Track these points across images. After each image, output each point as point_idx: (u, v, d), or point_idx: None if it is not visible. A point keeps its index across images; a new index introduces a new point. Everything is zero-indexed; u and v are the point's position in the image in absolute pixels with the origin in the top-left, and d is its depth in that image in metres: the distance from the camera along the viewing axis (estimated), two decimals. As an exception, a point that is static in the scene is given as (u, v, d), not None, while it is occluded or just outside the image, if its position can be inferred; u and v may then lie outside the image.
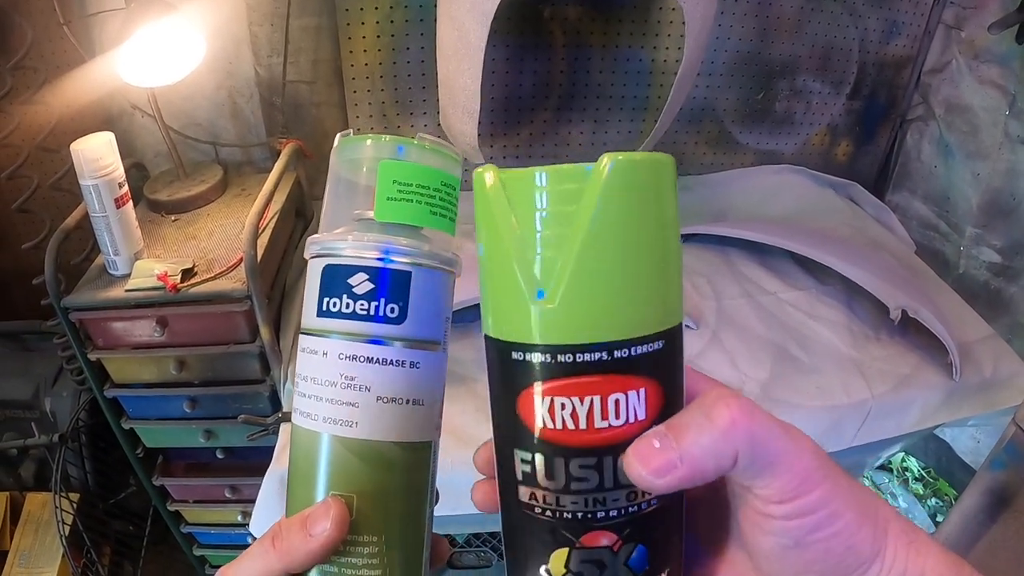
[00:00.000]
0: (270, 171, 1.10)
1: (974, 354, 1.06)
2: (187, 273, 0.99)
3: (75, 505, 1.26)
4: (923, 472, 1.69)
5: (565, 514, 0.28)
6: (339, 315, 0.32)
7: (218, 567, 0.33)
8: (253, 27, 1.17)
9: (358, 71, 1.24)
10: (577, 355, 0.26)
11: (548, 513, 0.28)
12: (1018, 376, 1.05)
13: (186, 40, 1.00)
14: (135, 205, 1.01)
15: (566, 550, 0.28)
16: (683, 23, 1.00)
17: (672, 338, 0.28)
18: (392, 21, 1.19)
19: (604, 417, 0.26)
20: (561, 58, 1.28)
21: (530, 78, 1.29)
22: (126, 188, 0.96)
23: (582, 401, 0.26)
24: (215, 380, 1.07)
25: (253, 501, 0.95)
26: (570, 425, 0.27)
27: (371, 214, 0.33)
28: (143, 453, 1.17)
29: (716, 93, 1.36)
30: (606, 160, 0.25)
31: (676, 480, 0.26)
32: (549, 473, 0.27)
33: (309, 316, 0.33)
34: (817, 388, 0.97)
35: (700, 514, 0.33)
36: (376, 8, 1.18)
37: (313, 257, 0.34)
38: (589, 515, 0.27)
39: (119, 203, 0.95)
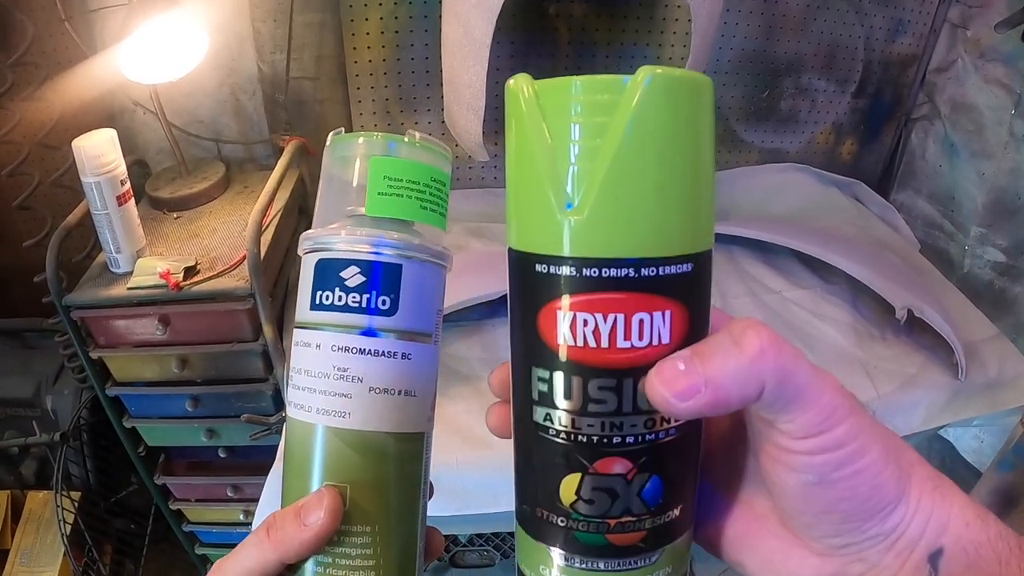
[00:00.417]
0: (272, 168, 1.09)
1: (979, 354, 1.05)
2: (190, 271, 0.99)
3: (76, 504, 1.25)
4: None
5: (580, 437, 0.27)
6: (332, 308, 0.33)
7: None
8: (256, 23, 1.17)
9: (362, 68, 1.23)
10: (603, 270, 0.25)
11: (563, 436, 0.27)
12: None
13: (188, 36, 0.99)
14: (137, 202, 1.01)
15: (578, 476, 0.27)
16: (689, 20, 1.00)
17: (701, 263, 0.27)
18: (396, 17, 1.18)
19: (627, 337, 0.26)
20: (566, 55, 1.27)
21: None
22: (128, 185, 0.95)
23: (605, 319, 0.25)
24: (218, 379, 1.07)
25: (255, 500, 0.94)
26: (591, 343, 0.26)
27: (363, 210, 0.34)
28: (145, 452, 1.17)
29: (721, 91, 1.35)
30: (643, 73, 0.24)
31: (699, 406, 0.25)
32: (567, 393, 0.27)
33: (303, 310, 0.34)
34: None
35: (715, 461, 0.33)
36: (380, 4, 1.17)
37: (306, 252, 0.34)
38: (604, 440, 0.27)
39: (121, 201, 0.94)
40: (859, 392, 0.97)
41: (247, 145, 1.30)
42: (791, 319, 1.09)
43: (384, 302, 0.33)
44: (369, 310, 0.33)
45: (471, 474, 0.87)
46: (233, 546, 0.33)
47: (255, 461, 1.16)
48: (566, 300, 0.26)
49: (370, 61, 1.22)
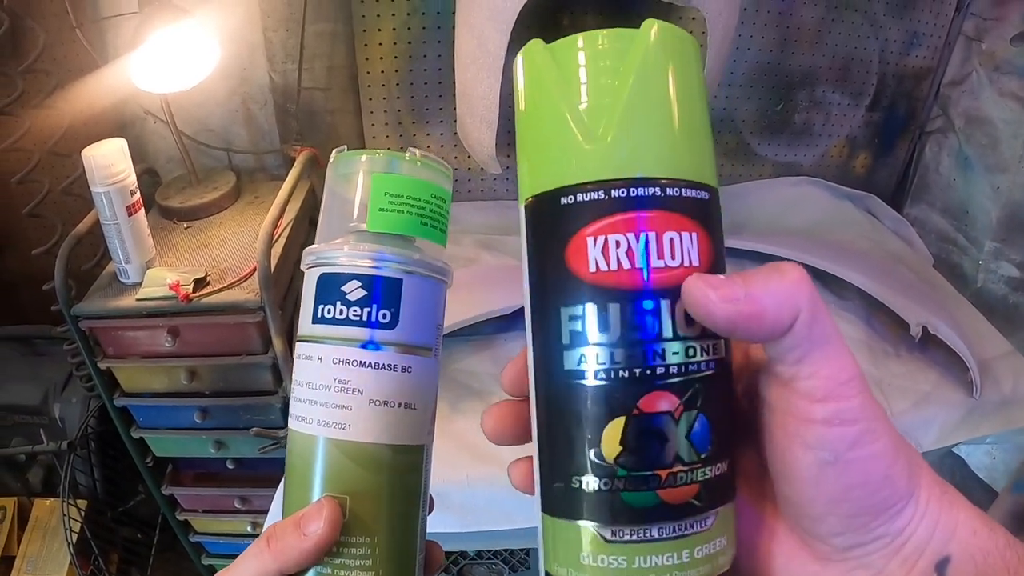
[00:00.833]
0: (283, 178, 1.08)
1: (993, 371, 1.04)
2: (199, 283, 0.98)
3: (83, 512, 1.25)
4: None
5: (621, 372, 0.25)
6: (333, 321, 0.34)
7: None
8: (268, 33, 1.16)
9: (374, 78, 1.22)
10: (631, 189, 0.25)
11: (601, 375, 0.26)
12: (1039, 394, 1.03)
13: (199, 46, 0.99)
14: (147, 211, 1.00)
15: (622, 420, 0.25)
16: (704, 33, 0.99)
17: (715, 197, 0.28)
18: (409, 28, 1.18)
19: (660, 256, 0.25)
20: (579, 67, 1.27)
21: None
22: (138, 195, 0.95)
23: (637, 237, 0.25)
24: (226, 391, 1.06)
25: (264, 512, 0.94)
26: (625, 264, 0.25)
27: (365, 226, 0.34)
28: (152, 462, 1.16)
29: (735, 104, 1.34)
30: (648, 23, 0.27)
31: (736, 313, 0.25)
32: (603, 323, 0.25)
33: (305, 324, 0.35)
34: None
35: None
36: (393, 15, 1.16)
37: (309, 267, 0.35)
38: (648, 372, 0.25)
39: (131, 211, 0.94)
40: None
41: (258, 155, 1.30)
42: (804, 336, 1.08)
43: (385, 315, 0.33)
44: (370, 323, 0.33)
45: (482, 491, 0.86)
46: (240, 557, 0.34)
47: (264, 473, 1.16)
48: (596, 225, 0.26)
49: (382, 72, 1.22)
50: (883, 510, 0.27)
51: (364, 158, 0.36)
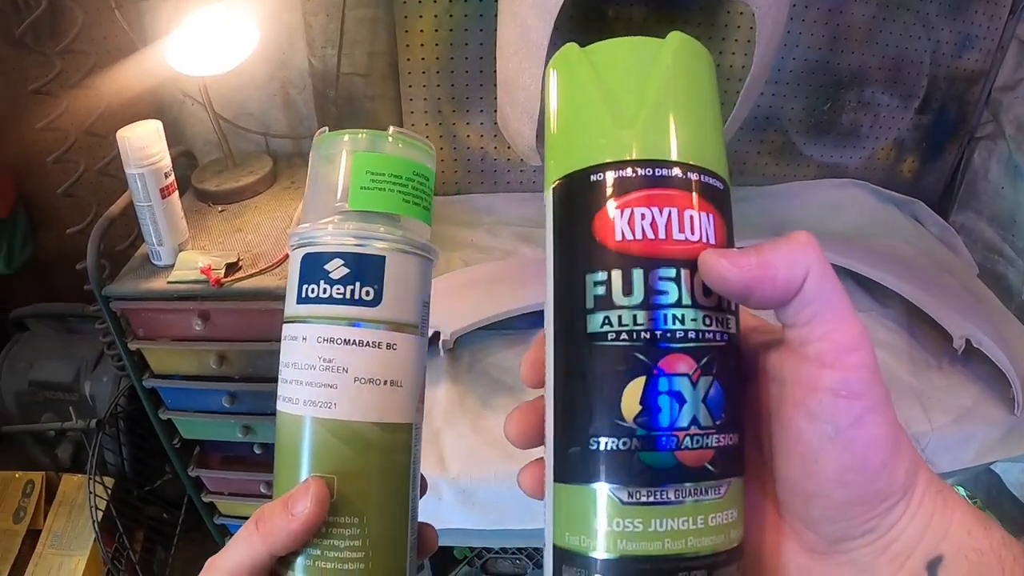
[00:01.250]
0: (320, 164, 1.07)
1: (1036, 388, 1.01)
2: (231, 267, 0.98)
3: (109, 490, 1.25)
4: (971, 503, 1.64)
5: (644, 334, 0.26)
6: (317, 300, 0.34)
7: None
8: (308, 17, 1.15)
9: (414, 65, 1.21)
10: (656, 169, 0.27)
11: (624, 336, 0.27)
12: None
13: (238, 29, 0.98)
14: (182, 193, 1.00)
15: (642, 380, 0.26)
16: (752, 28, 0.96)
17: (728, 190, 0.29)
18: (451, 15, 1.16)
19: (681, 229, 0.27)
20: (622, 60, 1.24)
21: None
22: (172, 178, 0.94)
23: (661, 212, 0.27)
24: (255, 376, 1.06)
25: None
26: (649, 235, 0.27)
27: (347, 205, 0.35)
28: (180, 444, 1.16)
29: (782, 102, 1.31)
30: (674, 34, 0.30)
31: (750, 277, 0.26)
32: (627, 287, 0.27)
33: (290, 304, 0.35)
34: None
35: None
36: (435, 1, 1.14)
37: (293, 248, 0.35)
38: (668, 334, 0.26)
39: (164, 193, 0.93)
40: (913, 424, 0.93)
41: (296, 140, 1.29)
42: (845, 344, 1.05)
43: (368, 293, 0.34)
44: (353, 301, 0.33)
45: (509, 489, 0.85)
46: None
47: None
48: (623, 199, 0.27)
49: (423, 59, 1.20)
50: (878, 502, 0.27)
51: (346, 138, 0.36)
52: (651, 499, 0.26)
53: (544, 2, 0.90)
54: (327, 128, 0.37)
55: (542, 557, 0.30)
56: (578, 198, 0.29)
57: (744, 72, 1.03)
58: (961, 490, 1.65)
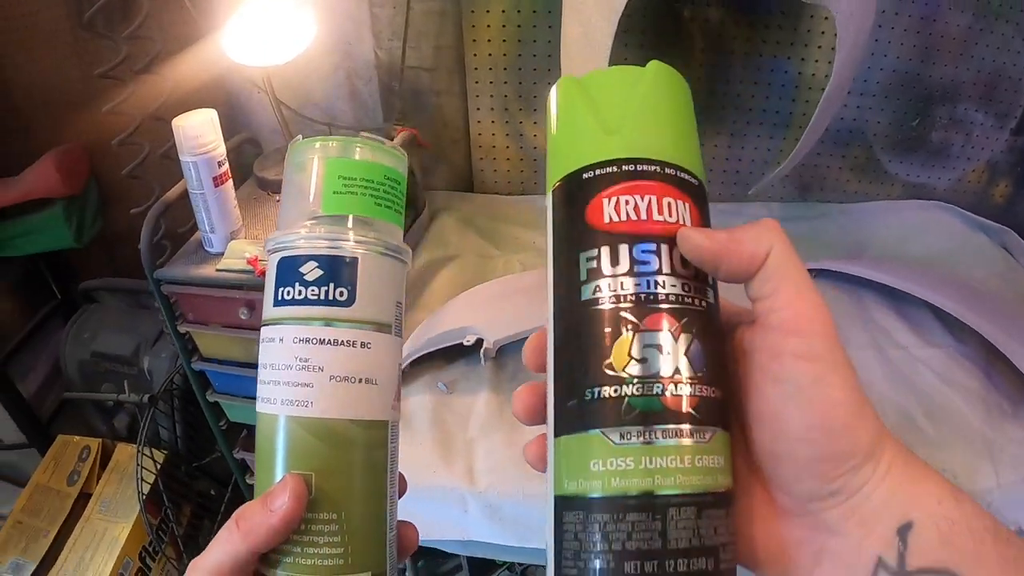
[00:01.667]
0: (383, 158, 1.06)
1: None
2: (279, 259, 0.97)
3: (158, 465, 1.28)
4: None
5: (629, 297, 0.30)
6: (292, 302, 0.35)
7: None
8: (374, 8, 1.14)
9: (481, 61, 1.18)
10: (638, 165, 0.32)
11: (612, 299, 0.31)
12: None
13: (297, 20, 0.97)
14: (243, 181, 1.00)
15: (630, 336, 0.30)
16: (835, 35, 0.90)
17: (703, 190, 0.34)
18: (519, 11, 1.13)
19: (660, 212, 0.32)
20: (699, 63, 1.19)
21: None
22: (226, 167, 0.94)
23: (642, 198, 0.32)
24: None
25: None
26: (632, 216, 0.31)
27: (321, 210, 0.36)
28: (226, 426, 1.18)
29: (867, 115, 1.23)
30: (653, 63, 0.35)
31: (720, 248, 0.30)
32: (614, 260, 0.31)
33: (267, 308, 0.36)
34: (937, 467, 0.85)
35: None
36: (502, -4, 1.12)
37: (270, 253, 0.37)
38: (651, 296, 0.30)
39: (217, 182, 0.93)
40: (978, 478, 0.85)
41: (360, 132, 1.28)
42: (916, 380, 0.97)
43: (342, 293, 0.35)
44: (327, 302, 0.35)
45: (539, 508, 0.82)
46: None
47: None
48: (611, 189, 0.32)
49: (490, 55, 1.18)
50: (841, 461, 0.29)
51: (318, 145, 0.37)
52: (640, 440, 0.29)
53: (609, 1, 0.87)
54: (301, 136, 0.38)
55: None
56: (574, 193, 0.33)
57: (825, 81, 0.97)
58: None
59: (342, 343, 0.35)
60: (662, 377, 0.29)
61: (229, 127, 1.23)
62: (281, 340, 0.35)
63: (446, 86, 1.22)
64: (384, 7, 1.13)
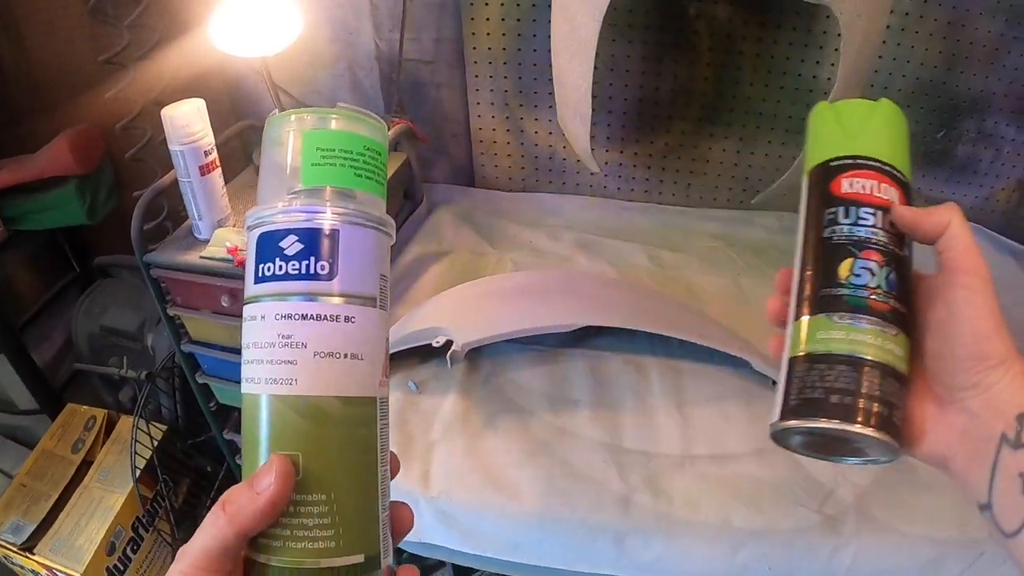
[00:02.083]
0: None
1: None
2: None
3: (154, 440, 1.31)
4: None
5: (854, 236, 0.45)
6: (273, 278, 0.34)
7: None
8: None
9: (480, 54, 1.16)
10: (868, 160, 0.47)
11: (844, 236, 0.45)
12: None
13: (289, 9, 0.96)
14: (243, 168, 1.00)
15: (851, 260, 0.45)
16: (838, 35, 0.85)
17: (909, 185, 0.48)
18: (518, 4, 1.10)
19: (878, 191, 0.46)
20: (706, 64, 1.14)
21: (669, 82, 1.16)
22: (214, 156, 0.95)
23: (868, 180, 0.46)
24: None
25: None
26: (861, 191, 0.46)
27: (300, 184, 0.35)
28: (216, 407, 1.20)
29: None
30: (886, 100, 0.49)
31: (919, 215, 0.44)
32: (847, 214, 0.46)
33: (248, 286, 0.35)
34: (925, 513, 0.78)
35: None
36: (502, -12, 1.09)
37: (249, 230, 0.36)
38: (868, 239, 0.45)
39: (204, 171, 0.94)
40: (969, 528, 0.75)
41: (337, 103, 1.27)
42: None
43: (323, 267, 0.34)
44: (309, 276, 0.34)
45: (493, 518, 0.80)
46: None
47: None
48: (848, 172, 0.47)
49: (489, 49, 1.15)
50: (983, 359, 0.40)
51: (293, 118, 0.36)
52: (849, 321, 0.43)
53: (594, -3, 0.84)
54: (277, 110, 0.38)
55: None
56: (824, 174, 0.48)
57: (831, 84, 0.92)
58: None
59: (325, 318, 0.34)
60: (869, 287, 0.44)
61: (235, 113, 1.24)
62: (263, 318, 0.34)
63: (446, 79, 1.21)
64: (384, -2, 1.12)
